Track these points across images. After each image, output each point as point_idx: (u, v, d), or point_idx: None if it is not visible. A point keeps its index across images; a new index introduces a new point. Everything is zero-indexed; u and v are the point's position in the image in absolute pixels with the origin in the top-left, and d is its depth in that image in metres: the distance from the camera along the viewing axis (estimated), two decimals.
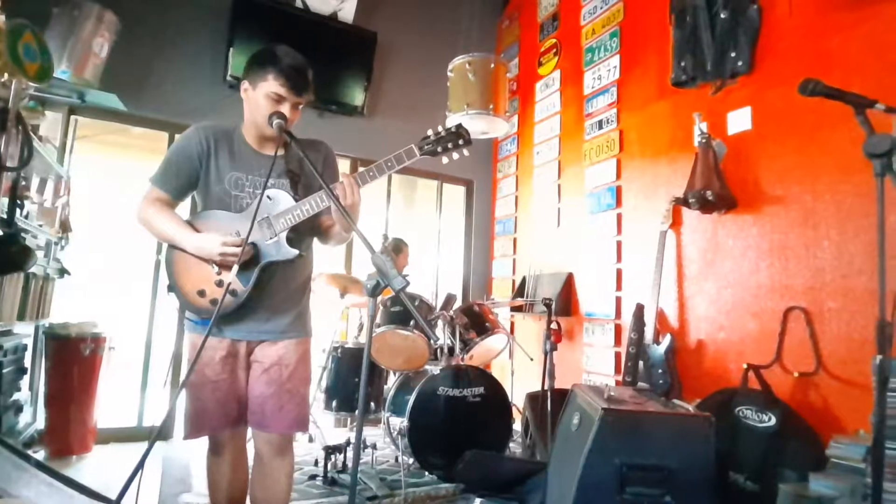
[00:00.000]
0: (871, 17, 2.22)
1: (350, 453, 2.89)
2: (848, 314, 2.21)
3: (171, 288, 1.68)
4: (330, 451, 2.82)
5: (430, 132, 1.67)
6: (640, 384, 2.84)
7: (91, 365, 3.17)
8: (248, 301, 1.64)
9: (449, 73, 3.55)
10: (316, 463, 3.00)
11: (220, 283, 1.63)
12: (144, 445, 1.25)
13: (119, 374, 3.46)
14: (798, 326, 2.37)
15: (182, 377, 1.69)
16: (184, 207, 1.81)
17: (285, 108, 1.61)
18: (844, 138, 2.22)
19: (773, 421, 2.22)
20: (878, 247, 1.44)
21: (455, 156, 1.69)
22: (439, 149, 1.66)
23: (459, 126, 1.68)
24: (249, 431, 1.78)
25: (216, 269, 1.64)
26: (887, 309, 1.40)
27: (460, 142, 1.67)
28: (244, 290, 1.63)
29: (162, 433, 3.51)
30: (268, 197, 1.64)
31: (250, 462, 1.80)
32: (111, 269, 3.71)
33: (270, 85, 1.60)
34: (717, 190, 2.66)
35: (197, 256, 1.63)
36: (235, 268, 1.46)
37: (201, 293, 1.64)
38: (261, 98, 1.62)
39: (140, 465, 1.13)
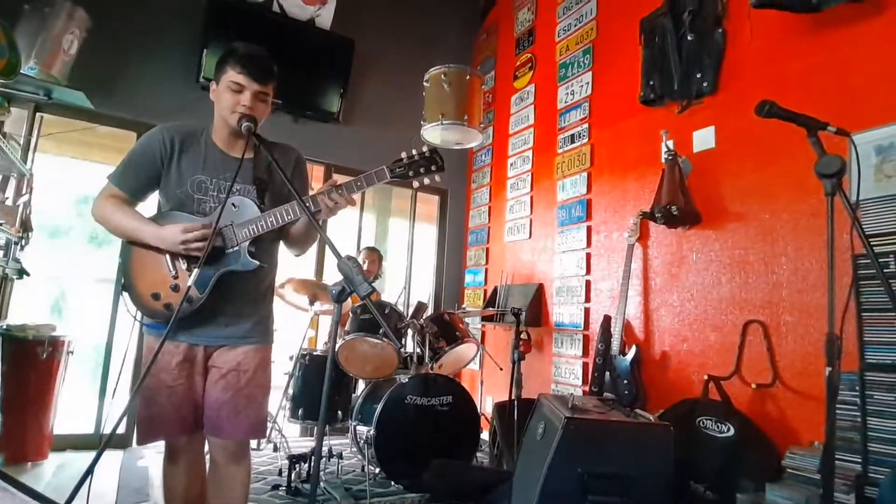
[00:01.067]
0: (828, 45, 2.33)
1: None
2: (803, 328, 2.29)
3: (125, 287, 1.63)
4: (294, 460, 2.78)
5: (403, 154, 1.62)
6: (606, 394, 2.88)
7: (48, 369, 3.06)
8: (206, 307, 1.60)
9: (425, 83, 3.58)
10: (280, 473, 2.95)
11: (175, 288, 1.59)
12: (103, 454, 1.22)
13: (78, 378, 3.36)
14: (756, 339, 2.44)
15: (138, 382, 1.64)
16: (149, 210, 1.77)
17: (246, 97, 1.59)
18: (801, 159, 2.31)
19: (732, 431, 2.27)
20: (828, 263, 1.51)
21: (426, 181, 1.64)
22: (411, 173, 1.62)
23: (434, 151, 1.63)
24: None
25: (173, 272, 1.60)
26: (836, 323, 1.46)
27: (433, 167, 1.63)
28: (199, 297, 1.58)
29: (119, 441, 3.42)
30: (233, 204, 1.61)
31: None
32: (72, 271, 3.61)
33: (229, 75, 1.59)
34: (682, 205, 2.73)
35: (155, 249, 1.59)
36: (196, 273, 1.43)
37: (155, 296, 1.60)
38: (223, 91, 1.61)
39: (88, 472, 1.09)
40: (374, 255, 3.91)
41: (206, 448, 1.78)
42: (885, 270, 1.89)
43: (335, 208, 1.61)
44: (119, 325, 3.56)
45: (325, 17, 4.31)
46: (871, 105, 2.13)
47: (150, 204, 1.76)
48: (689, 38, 2.85)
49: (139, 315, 1.64)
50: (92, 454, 1.19)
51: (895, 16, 2.11)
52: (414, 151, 1.63)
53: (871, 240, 1.59)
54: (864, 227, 1.97)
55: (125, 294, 1.63)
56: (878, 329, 1.96)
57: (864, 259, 1.99)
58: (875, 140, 2.07)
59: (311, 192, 1.72)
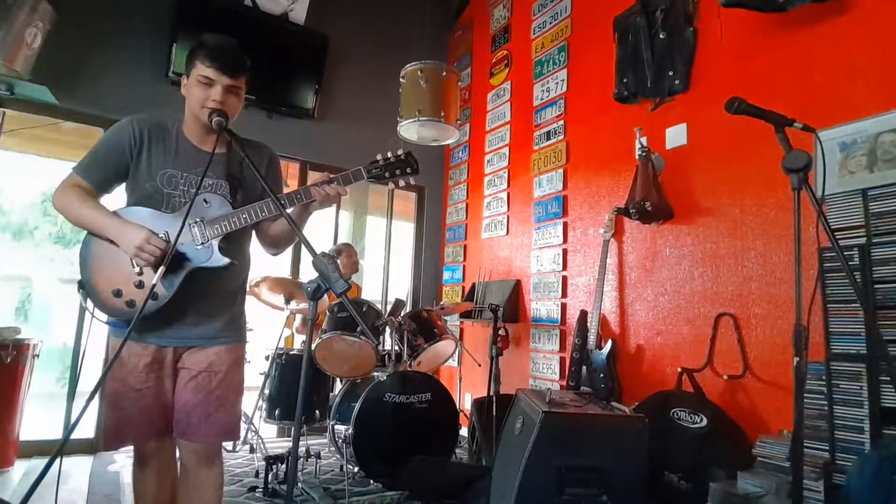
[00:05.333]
0: (793, 44, 2.39)
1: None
2: (772, 319, 2.34)
3: (82, 285, 1.56)
4: (271, 461, 2.74)
5: (379, 157, 1.66)
6: (583, 388, 2.91)
7: (13, 373, 2.97)
8: (174, 305, 1.55)
9: (401, 80, 3.56)
10: (256, 474, 2.92)
11: (139, 285, 1.53)
12: (71, 459, 1.18)
13: (45, 382, 3.26)
14: (727, 331, 2.50)
15: (96, 385, 1.57)
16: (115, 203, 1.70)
17: (216, 91, 1.55)
18: (769, 155, 2.36)
19: (705, 422, 2.32)
20: (795, 256, 1.55)
21: (401, 183, 1.69)
22: (387, 174, 1.66)
23: (409, 154, 1.68)
24: None
25: (137, 268, 1.54)
26: (803, 314, 1.50)
27: (408, 170, 1.68)
28: (166, 295, 1.53)
29: (89, 447, 3.33)
30: (204, 200, 1.57)
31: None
32: (38, 272, 3.49)
33: (199, 69, 1.55)
34: (656, 201, 2.77)
35: (116, 244, 1.52)
36: (162, 269, 1.39)
37: (117, 293, 1.53)
38: (193, 85, 1.56)
39: (42, 475, 1.05)
40: (352, 250, 3.89)
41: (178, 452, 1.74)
42: (849, 263, 1.94)
43: (329, 199, 1.63)
44: (87, 327, 3.45)
45: (298, 12, 4.24)
46: (835, 102, 2.20)
47: (118, 197, 1.70)
48: (661, 36, 2.89)
49: (98, 313, 1.57)
50: (62, 460, 1.15)
51: (857, 16, 2.17)
52: (389, 154, 1.66)
53: (835, 233, 1.63)
54: (829, 220, 2.02)
55: (82, 291, 1.56)
56: (843, 320, 2.02)
57: (829, 252, 2.04)
58: (839, 137, 2.14)
59: (285, 189, 1.71)
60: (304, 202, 1.62)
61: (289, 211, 1.63)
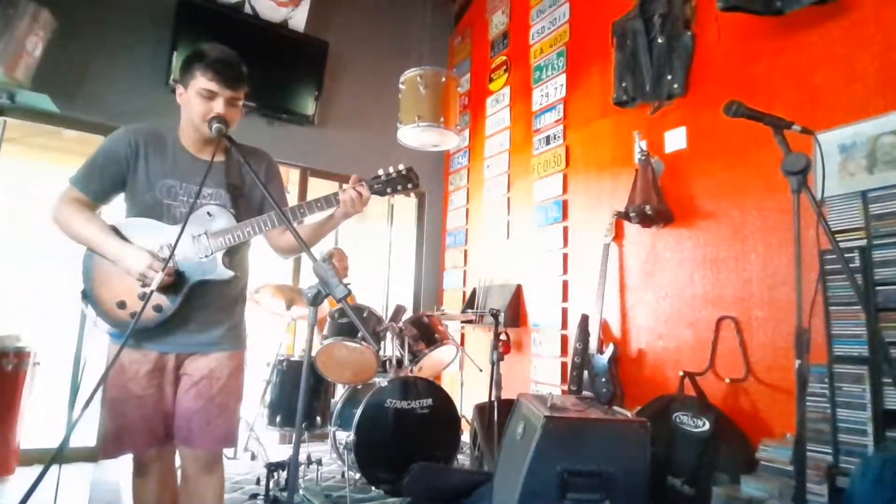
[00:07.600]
0: (792, 46, 2.39)
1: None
2: (773, 322, 2.34)
3: (85, 295, 1.56)
4: (272, 468, 2.73)
5: (380, 172, 1.69)
6: (585, 393, 2.90)
7: (13, 381, 2.97)
8: (176, 314, 1.56)
9: (400, 86, 3.57)
10: (258, 481, 2.90)
11: (143, 297, 1.52)
12: (72, 467, 1.17)
13: (48, 390, 3.25)
14: (729, 335, 2.49)
15: (102, 393, 1.56)
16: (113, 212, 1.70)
17: (219, 104, 1.54)
18: (769, 157, 2.37)
19: (707, 426, 2.31)
20: (796, 259, 1.54)
21: (402, 197, 1.71)
22: (388, 189, 1.69)
23: (410, 170, 1.71)
24: None
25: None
26: (804, 317, 1.50)
27: (409, 185, 1.71)
28: (170, 307, 1.54)
29: (89, 454, 3.32)
30: (207, 213, 1.58)
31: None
32: (38, 279, 3.49)
33: (199, 81, 1.53)
34: (656, 205, 2.77)
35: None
36: (159, 277, 1.39)
37: (121, 305, 1.53)
38: (193, 97, 1.55)
39: (35, 484, 1.05)
40: (342, 254, 3.85)
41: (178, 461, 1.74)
42: (850, 265, 1.94)
43: (355, 207, 1.64)
44: (88, 335, 3.45)
45: (298, 19, 4.27)
46: (834, 105, 2.20)
47: (118, 206, 1.70)
48: (659, 40, 2.90)
49: (99, 323, 1.57)
50: (62, 467, 1.14)
51: (856, 19, 2.18)
52: (391, 169, 1.68)
53: (836, 235, 1.64)
54: (829, 223, 2.02)
55: (85, 302, 1.56)
56: (845, 322, 2.01)
57: (829, 254, 2.04)
58: (838, 139, 2.14)
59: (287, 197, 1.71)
60: (301, 217, 1.61)
61: (308, 218, 1.64)
